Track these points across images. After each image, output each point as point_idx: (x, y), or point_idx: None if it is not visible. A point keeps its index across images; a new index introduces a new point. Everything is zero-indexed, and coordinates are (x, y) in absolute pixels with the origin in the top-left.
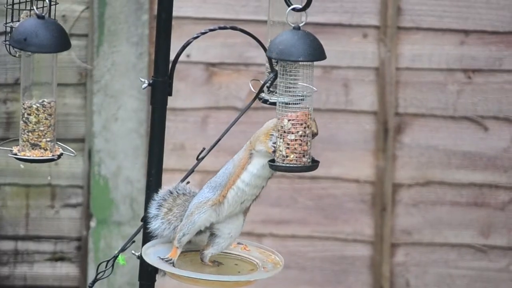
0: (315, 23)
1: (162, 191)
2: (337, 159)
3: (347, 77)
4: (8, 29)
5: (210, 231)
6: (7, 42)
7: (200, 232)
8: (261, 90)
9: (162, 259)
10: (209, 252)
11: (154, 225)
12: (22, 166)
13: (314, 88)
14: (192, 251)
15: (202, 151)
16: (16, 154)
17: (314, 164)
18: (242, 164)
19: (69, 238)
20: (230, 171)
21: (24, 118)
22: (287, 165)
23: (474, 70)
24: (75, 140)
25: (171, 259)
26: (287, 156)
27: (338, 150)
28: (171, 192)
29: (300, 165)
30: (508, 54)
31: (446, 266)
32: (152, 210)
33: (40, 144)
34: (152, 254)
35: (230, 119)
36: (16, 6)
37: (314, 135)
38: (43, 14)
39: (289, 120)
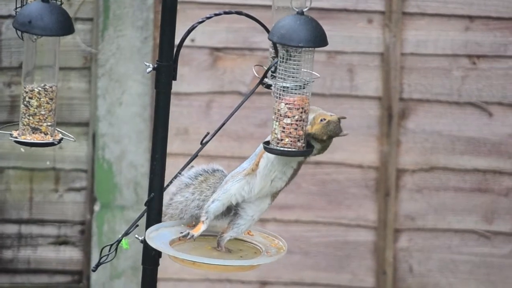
0: (320, 8)
1: (203, 165)
2: (341, 144)
3: (352, 63)
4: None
5: (234, 211)
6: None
7: (222, 216)
8: (265, 75)
9: (181, 233)
10: (228, 235)
11: (181, 197)
12: (22, 149)
13: (317, 74)
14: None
15: (206, 135)
16: (16, 138)
17: (308, 149)
18: None
19: (73, 222)
20: None
21: (25, 102)
22: (281, 148)
23: (478, 56)
24: (79, 124)
25: (188, 233)
26: (281, 140)
27: None
28: (213, 167)
29: (294, 150)
30: None
31: (450, 251)
32: (185, 179)
33: (40, 128)
34: (156, 238)
35: (234, 104)
36: None
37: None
38: None
39: (286, 104)
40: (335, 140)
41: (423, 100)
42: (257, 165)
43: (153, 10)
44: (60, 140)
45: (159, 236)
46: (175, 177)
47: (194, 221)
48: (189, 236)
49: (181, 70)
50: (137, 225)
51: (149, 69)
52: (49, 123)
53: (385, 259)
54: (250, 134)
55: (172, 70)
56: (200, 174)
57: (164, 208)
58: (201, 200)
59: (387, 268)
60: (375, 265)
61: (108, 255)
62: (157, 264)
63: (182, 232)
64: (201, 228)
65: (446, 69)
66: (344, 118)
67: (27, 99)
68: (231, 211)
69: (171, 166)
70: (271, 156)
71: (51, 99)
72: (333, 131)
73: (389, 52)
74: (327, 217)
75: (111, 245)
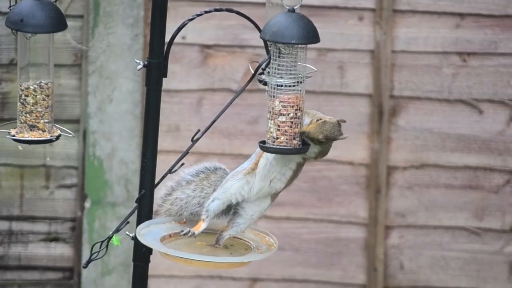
0: (310, 6)
1: (205, 163)
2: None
3: (343, 60)
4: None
5: (234, 210)
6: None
7: (222, 214)
8: (256, 73)
9: (182, 231)
10: (228, 234)
11: (182, 193)
12: (20, 147)
13: (314, 68)
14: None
15: (197, 132)
16: (14, 136)
17: (304, 147)
18: None
19: (64, 219)
20: None
21: (21, 100)
22: (277, 147)
23: (469, 53)
24: (69, 121)
25: (189, 231)
26: (277, 138)
27: None
28: (215, 165)
29: (290, 147)
30: (503, 37)
31: (440, 248)
32: (187, 176)
33: (38, 125)
34: (147, 235)
35: (224, 101)
36: None
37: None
38: None
39: (280, 102)
40: (331, 143)
41: (413, 98)
42: (256, 164)
43: (144, 7)
44: (58, 137)
45: (150, 233)
46: (166, 174)
47: (186, 218)
48: (190, 234)
49: (172, 67)
50: (128, 222)
51: (140, 66)
52: (46, 120)
53: (376, 256)
54: (241, 131)
55: (163, 67)
56: (202, 172)
57: (160, 201)
58: (202, 198)
59: (378, 265)
60: (366, 262)
61: (99, 251)
62: (148, 260)
63: (183, 230)
64: (201, 226)
65: (437, 67)
66: (344, 121)
67: (23, 96)
68: (231, 209)
69: (162, 163)
70: (270, 156)
71: (47, 95)
72: (330, 131)
73: (380, 50)
74: (318, 214)
75: (102, 241)
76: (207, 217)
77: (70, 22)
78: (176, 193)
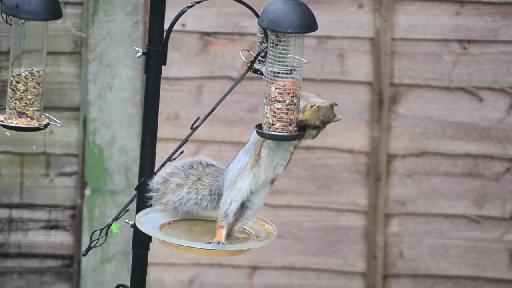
0: None
1: (188, 160)
2: (332, 130)
3: (342, 47)
4: None
5: (242, 205)
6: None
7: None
8: (255, 61)
9: (210, 243)
10: (238, 227)
11: (175, 196)
12: (8, 133)
13: (304, 60)
14: (186, 220)
15: (196, 120)
16: (2, 122)
17: (300, 133)
18: None
19: (64, 207)
20: None
21: (12, 86)
22: (273, 133)
23: (469, 40)
24: (69, 108)
25: (218, 241)
26: (273, 124)
27: None
28: (200, 162)
29: (285, 134)
30: (503, 24)
31: (440, 236)
32: (176, 179)
33: (27, 112)
34: (146, 222)
35: (224, 89)
36: None
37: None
38: None
39: (276, 88)
40: (327, 125)
41: (413, 85)
42: (259, 155)
43: None
44: (46, 125)
45: (149, 221)
46: (166, 162)
47: (181, 214)
48: (219, 245)
49: (171, 55)
50: (128, 210)
51: (139, 54)
52: (35, 108)
53: (376, 244)
54: (240, 119)
55: (162, 54)
56: (189, 174)
57: (151, 201)
58: (199, 199)
59: (378, 253)
60: (365, 250)
61: (98, 239)
62: (147, 248)
63: (210, 242)
64: (223, 233)
65: (437, 54)
66: (336, 104)
67: (14, 83)
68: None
69: (162, 151)
70: (272, 144)
71: (38, 83)
72: (325, 115)
73: (380, 37)
74: (317, 202)
75: (102, 229)
76: (226, 222)
77: (70, 9)
78: (168, 196)
